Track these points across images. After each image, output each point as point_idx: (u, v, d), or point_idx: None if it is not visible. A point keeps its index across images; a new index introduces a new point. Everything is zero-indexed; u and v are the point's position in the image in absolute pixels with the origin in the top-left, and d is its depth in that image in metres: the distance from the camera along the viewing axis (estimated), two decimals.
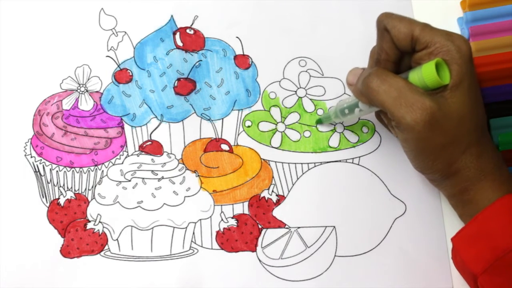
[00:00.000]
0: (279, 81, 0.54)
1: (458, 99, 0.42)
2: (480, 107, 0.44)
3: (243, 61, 0.55)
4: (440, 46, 0.42)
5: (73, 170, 0.52)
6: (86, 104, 0.54)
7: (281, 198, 0.52)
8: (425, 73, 0.42)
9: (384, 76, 0.43)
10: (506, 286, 0.42)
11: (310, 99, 0.54)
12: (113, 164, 0.52)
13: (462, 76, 0.42)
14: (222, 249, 0.51)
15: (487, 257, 0.42)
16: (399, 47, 0.45)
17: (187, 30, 0.55)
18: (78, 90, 0.54)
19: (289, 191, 0.52)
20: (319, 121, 0.53)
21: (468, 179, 0.44)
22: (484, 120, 0.45)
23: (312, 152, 0.53)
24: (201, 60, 0.54)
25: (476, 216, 0.43)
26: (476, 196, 0.44)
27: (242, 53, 0.55)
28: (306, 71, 0.54)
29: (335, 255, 0.51)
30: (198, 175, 0.52)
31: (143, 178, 0.52)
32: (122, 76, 0.54)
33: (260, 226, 0.51)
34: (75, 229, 0.51)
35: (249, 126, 0.53)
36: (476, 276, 0.43)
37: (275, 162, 0.53)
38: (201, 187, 0.52)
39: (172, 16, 0.55)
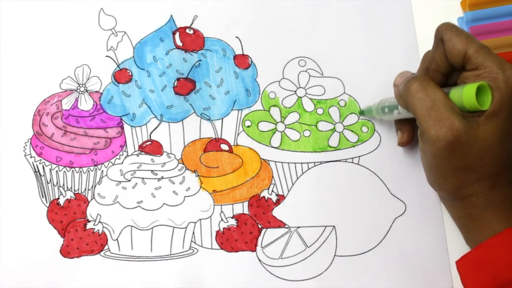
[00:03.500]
0: (279, 81, 0.54)
1: (490, 128, 0.41)
2: (510, 143, 0.43)
3: (242, 61, 0.55)
4: (489, 72, 0.41)
5: (72, 170, 0.52)
6: (86, 104, 0.54)
7: (281, 198, 0.52)
8: (465, 93, 0.41)
9: (425, 84, 0.43)
10: None
11: (310, 99, 0.54)
12: (113, 164, 0.52)
13: (502, 106, 0.41)
14: (222, 249, 0.51)
15: (487, 286, 0.42)
16: (450, 61, 0.44)
17: (187, 30, 0.55)
18: (78, 90, 0.54)
19: (289, 191, 0.52)
20: (362, 113, 0.53)
21: (476, 207, 0.43)
22: (509, 156, 0.44)
23: (312, 152, 0.53)
24: (200, 60, 0.54)
25: (482, 244, 0.43)
26: (481, 225, 0.44)
27: (241, 53, 0.55)
28: (305, 71, 0.54)
29: (335, 255, 0.51)
30: (198, 175, 0.52)
31: (143, 178, 0.52)
32: (121, 76, 0.54)
33: (260, 226, 0.51)
34: (75, 229, 0.51)
35: (248, 126, 0.53)
36: None
37: (275, 162, 0.53)
38: (201, 187, 0.52)
39: (171, 16, 0.55)
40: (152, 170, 0.52)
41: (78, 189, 0.52)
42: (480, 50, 0.42)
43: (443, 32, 0.44)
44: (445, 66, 0.45)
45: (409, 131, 0.50)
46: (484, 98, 0.41)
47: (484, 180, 0.43)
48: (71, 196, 0.52)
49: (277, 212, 0.52)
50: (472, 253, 0.44)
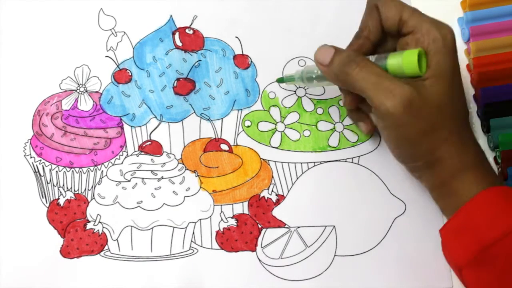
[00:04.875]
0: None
1: (438, 88, 0.42)
2: (461, 98, 0.45)
3: (242, 61, 0.54)
4: (426, 33, 0.43)
5: (72, 170, 0.52)
6: (86, 104, 0.54)
7: (280, 198, 0.52)
8: (405, 60, 0.42)
9: (362, 63, 0.44)
10: (489, 278, 0.42)
11: (310, 99, 0.54)
12: (113, 164, 0.52)
13: (444, 66, 0.42)
14: (222, 249, 0.51)
15: (471, 250, 0.42)
16: (385, 27, 0.45)
17: (186, 30, 0.55)
18: (78, 91, 0.54)
19: (288, 191, 0.52)
20: (281, 80, 0.53)
21: (450, 169, 0.44)
22: (465, 113, 0.45)
23: (311, 152, 0.53)
24: (200, 60, 0.54)
25: (461, 209, 0.43)
26: (459, 188, 0.44)
27: (241, 53, 0.55)
28: None
29: (335, 255, 0.51)
30: (198, 175, 0.52)
31: (142, 178, 0.52)
32: (121, 76, 0.54)
33: (260, 226, 0.51)
34: (74, 229, 0.51)
35: (248, 126, 0.53)
36: (461, 268, 0.44)
37: (275, 161, 0.53)
38: (200, 187, 0.52)
39: (171, 16, 0.55)
40: (152, 170, 0.52)
41: (78, 189, 0.52)
42: (414, 13, 0.44)
43: None
44: (378, 33, 0.46)
45: (351, 95, 0.49)
46: (422, 63, 0.43)
47: (452, 136, 0.43)
48: (71, 197, 0.52)
49: (277, 212, 0.52)
50: (453, 220, 0.44)
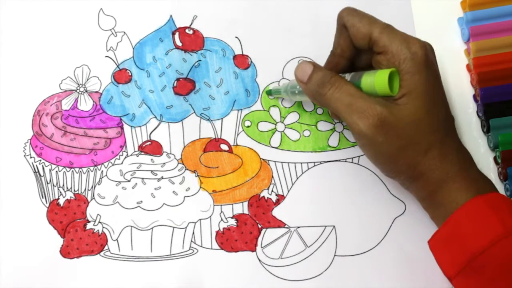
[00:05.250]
0: (279, 81, 0.54)
1: (411, 105, 0.43)
2: (440, 109, 0.44)
3: (242, 61, 0.54)
4: (396, 54, 0.43)
5: (72, 171, 0.52)
6: (86, 104, 0.54)
7: (280, 198, 0.52)
8: (377, 82, 0.43)
9: (337, 84, 0.44)
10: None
11: None
12: (113, 164, 0.52)
13: (415, 84, 0.42)
14: (222, 249, 0.51)
15: (459, 261, 0.42)
16: (356, 45, 0.45)
17: (186, 30, 0.55)
18: (78, 91, 0.54)
19: (288, 191, 0.52)
20: (269, 93, 0.54)
21: (434, 181, 0.44)
22: (447, 122, 0.45)
23: (311, 152, 0.53)
24: (200, 60, 0.54)
25: (448, 220, 0.43)
26: (444, 198, 0.44)
27: (241, 53, 0.55)
28: None
29: (334, 255, 0.51)
30: (198, 175, 0.52)
31: (142, 178, 0.52)
32: (121, 76, 0.54)
33: (259, 226, 0.51)
34: (74, 229, 0.51)
35: (248, 126, 0.53)
36: (451, 279, 0.44)
37: (275, 162, 0.53)
38: (200, 187, 0.52)
39: (171, 16, 0.55)
40: (152, 170, 0.52)
41: (78, 190, 0.52)
42: (383, 31, 0.43)
43: (346, 18, 0.45)
44: (350, 50, 0.46)
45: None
46: (395, 82, 0.43)
47: (432, 150, 0.44)
48: (71, 197, 0.52)
49: (277, 212, 0.52)
50: (441, 230, 0.44)
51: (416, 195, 0.47)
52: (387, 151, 0.44)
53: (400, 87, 0.43)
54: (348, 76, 0.45)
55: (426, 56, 0.43)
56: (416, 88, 0.42)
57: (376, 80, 0.43)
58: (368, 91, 0.44)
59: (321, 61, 0.55)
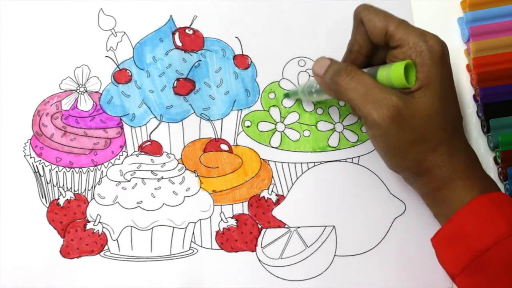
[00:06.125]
0: (279, 81, 0.54)
1: (426, 99, 0.42)
2: (452, 107, 0.44)
3: (242, 61, 0.54)
4: (413, 46, 0.43)
5: (72, 171, 0.52)
6: (86, 104, 0.54)
7: (280, 198, 0.52)
8: (393, 73, 0.42)
9: (353, 73, 0.44)
10: (481, 286, 0.42)
11: None
12: (113, 165, 0.52)
13: (432, 78, 0.42)
14: (222, 249, 0.51)
15: (463, 259, 0.42)
16: (373, 41, 0.45)
17: (186, 30, 0.55)
18: (78, 91, 0.54)
19: (288, 191, 0.52)
20: (286, 95, 0.54)
21: (440, 178, 0.44)
22: (457, 120, 0.45)
23: (311, 152, 0.53)
24: (200, 60, 0.54)
25: (452, 217, 0.44)
26: (449, 196, 0.44)
27: (241, 53, 0.55)
28: (305, 71, 0.54)
29: (334, 255, 0.51)
30: (198, 175, 0.52)
31: (142, 178, 0.52)
32: (121, 76, 0.54)
33: (259, 226, 0.51)
34: (74, 229, 0.51)
35: (248, 126, 0.53)
36: (454, 276, 0.44)
37: (275, 162, 0.53)
38: (200, 187, 0.52)
39: (171, 16, 0.55)
40: (152, 171, 0.52)
41: (78, 190, 0.52)
42: (400, 26, 0.43)
43: (362, 14, 0.45)
44: (367, 46, 0.46)
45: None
46: (411, 74, 0.43)
47: (440, 147, 0.44)
48: (71, 197, 0.52)
49: (277, 212, 0.52)
50: (445, 228, 0.44)
51: (420, 190, 0.47)
52: (398, 144, 0.43)
53: (416, 79, 0.43)
54: (364, 71, 0.45)
55: (443, 51, 0.43)
56: (433, 82, 0.42)
57: (392, 71, 0.42)
58: (384, 83, 0.43)
59: None
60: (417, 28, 0.44)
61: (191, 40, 0.55)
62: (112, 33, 0.55)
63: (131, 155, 0.53)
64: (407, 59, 0.43)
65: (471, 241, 0.42)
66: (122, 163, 0.52)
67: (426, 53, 0.42)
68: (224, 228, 0.51)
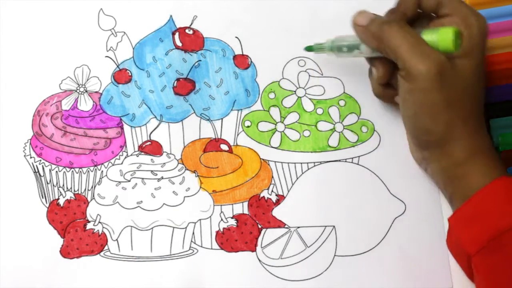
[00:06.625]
0: (279, 81, 0.54)
1: (467, 67, 0.44)
2: (484, 83, 0.46)
3: (242, 61, 0.54)
4: (464, 17, 0.44)
5: (72, 171, 0.52)
6: (86, 104, 0.54)
7: (280, 198, 0.52)
8: (441, 36, 0.43)
9: (403, 24, 0.45)
10: (499, 266, 0.42)
11: (310, 99, 0.54)
12: (113, 165, 0.52)
13: (477, 50, 0.44)
14: (222, 249, 0.51)
15: (482, 238, 0.43)
16: (423, 5, 0.46)
17: (186, 30, 0.55)
18: (78, 91, 0.54)
19: (288, 191, 0.52)
20: (310, 49, 0.52)
21: (463, 151, 0.44)
22: (483, 98, 0.46)
23: (311, 152, 0.53)
24: (200, 60, 0.54)
25: (473, 197, 0.44)
26: (470, 171, 0.44)
27: (241, 53, 0.55)
28: (305, 71, 0.54)
29: (334, 255, 0.51)
30: (198, 175, 0.52)
31: (142, 178, 0.52)
32: (121, 76, 0.54)
33: (259, 226, 0.51)
34: (74, 229, 0.51)
35: (248, 126, 0.53)
36: (470, 256, 0.44)
37: (275, 162, 0.53)
38: (200, 187, 0.52)
39: (171, 16, 0.55)
40: (152, 171, 0.52)
41: (78, 190, 0.52)
42: None
43: None
44: (414, 9, 0.46)
45: (384, 65, 0.48)
46: (455, 42, 0.44)
47: (470, 119, 0.44)
48: (71, 197, 0.52)
49: (277, 212, 0.52)
50: (464, 207, 0.44)
51: (439, 163, 0.46)
52: (435, 102, 0.43)
53: (461, 48, 0.44)
54: None
55: (487, 31, 0.45)
56: (478, 54, 0.44)
57: (440, 33, 0.43)
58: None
59: (320, 60, 0.55)
60: (467, 4, 0.45)
61: (191, 40, 0.55)
62: (112, 33, 0.55)
63: (131, 155, 0.53)
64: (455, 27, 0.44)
65: (491, 220, 0.42)
66: (122, 163, 0.52)
67: (475, 27, 0.44)
68: (224, 228, 0.51)
